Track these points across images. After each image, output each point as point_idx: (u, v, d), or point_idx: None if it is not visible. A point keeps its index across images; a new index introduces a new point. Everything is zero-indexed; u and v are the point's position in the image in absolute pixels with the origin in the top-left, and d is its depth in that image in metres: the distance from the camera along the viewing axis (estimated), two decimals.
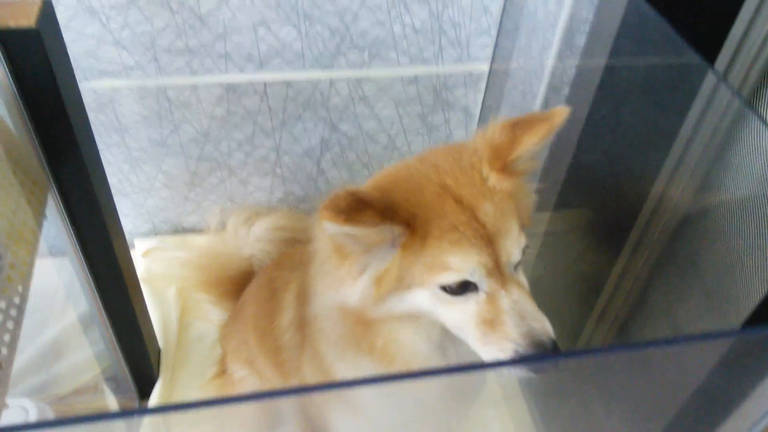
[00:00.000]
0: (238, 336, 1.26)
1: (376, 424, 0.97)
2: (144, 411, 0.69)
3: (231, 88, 1.51)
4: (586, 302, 1.50)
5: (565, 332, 1.57)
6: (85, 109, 1.09)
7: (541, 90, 1.42)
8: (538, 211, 1.63)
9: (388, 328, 0.81)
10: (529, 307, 0.76)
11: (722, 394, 0.88)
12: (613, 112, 1.33)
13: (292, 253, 1.11)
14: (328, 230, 0.72)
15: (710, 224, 1.10)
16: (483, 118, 1.73)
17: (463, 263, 0.73)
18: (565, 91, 1.42)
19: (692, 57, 0.99)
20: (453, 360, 0.87)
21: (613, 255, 1.37)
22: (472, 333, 0.76)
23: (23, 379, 1.39)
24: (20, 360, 1.39)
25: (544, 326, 0.74)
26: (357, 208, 0.68)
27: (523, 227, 0.81)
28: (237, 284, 1.50)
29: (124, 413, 0.62)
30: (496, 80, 1.63)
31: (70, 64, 1.02)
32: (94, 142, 1.12)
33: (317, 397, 0.98)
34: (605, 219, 1.45)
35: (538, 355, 0.73)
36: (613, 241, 1.36)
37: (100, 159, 1.14)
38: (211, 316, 1.55)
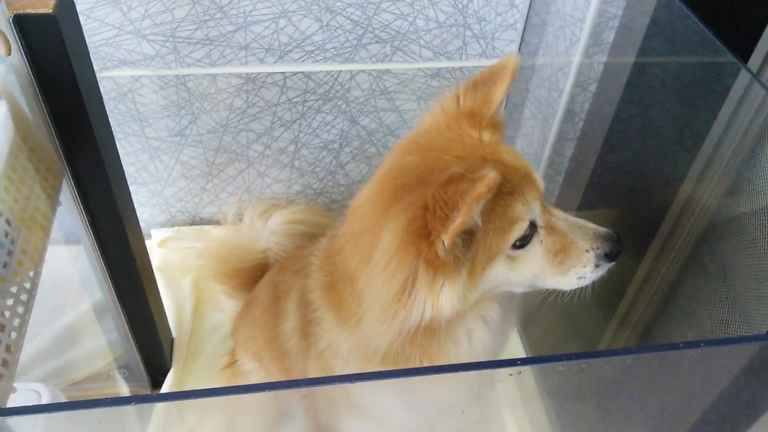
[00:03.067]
0: (246, 330, 1.25)
1: (391, 429, 0.96)
2: (145, 398, 0.68)
3: (250, 80, 1.50)
4: (608, 306, 1.47)
5: (587, 336, 1.53)
6: (101, 97, 1.08)
7: (567, 87, 1.39)
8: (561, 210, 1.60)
9: (454, 327, 0.80)
10: (575, 218, 0.83)
11: (746, 402, 0.85)
12: (641, 111, 1.29)
13: (296, 256, 1.09)
14: (469, 215, 0.68)
15: (739, 228, 1.06)
16: (508, 114, 1.69)
17: (525, 207, 0.76)
18: (592, 88, 1.38)
19: (725, 55, 0.95)
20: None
21: (638, 258, 1.33)
22: (550, 270, 0.80)
23: (37, 364, 1.40)
24: (35, 345, 1.40)
25: (597, 226, 0.82)
26: (453, 204, 0.67)
27: None
28: (252, 276, 1.49)
29: (126, 399, 0.61)
30: (521, 76, 1.60)
31: (87, 51, 1.01)
32: (110, 130, 1.12)
33: (326, 402, 0.96)
34: (630, 221, 1.41)
35: (546, 357, 0.71)
36: (638, 244, 1.33)
37: (115, 147, 1.13)
38: (225, 306, 1.55)
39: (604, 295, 1.49)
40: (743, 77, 0.95)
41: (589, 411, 1.40)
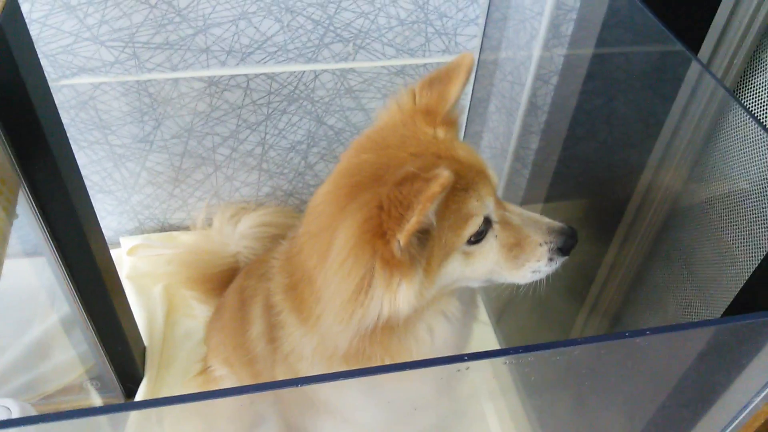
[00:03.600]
0: (217, 335, 1.24)
1: (361, 429, 0.96)
2: (115, 408, 0.67)
3: (213, 83, 1.49)
4: (578, 295, 1.48)
5: (558, 325, 1.54)
6: (55, 106, 1.06)
7: (529, 80, 1.40)
8: (529, 204, 1.61)
9: (413, 324, 0.80)
10: (530, 212, 0.83)
11: (708, 382, 0.86)
12: (601, 102, 1.31)
13: (262, 260, 1.09)
14: (422, 217, 0.68)
15: (698, 214, 1.08)
16: (473, 110, 1.70)
17: (479, 203, 0.77)
18: (554, 80, 1.39)
19: (676, 46, 0.96)
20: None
21: (604, 247, 1.35)
22: (505, 264, 0.81)
23: (8, 379, 1.38)
24: (4, 360, 1.38)
25: (551, 220, 0.83)
26: (407, 204, 0.68)
27: None
28: (223, 281, 1.48)
29: (95, 410, 0.61)
30: (485, 71, 1.60)
31: (38, 59, 1.00)
32: (67, 138, 1.10)
33: (296, 405, 0.96)
34: (595, 210, 1.43)
35: (523, 348, 0.71)
36: (604, 233, 1.34)
37: (73, 156, 1.12)
38: (197, 312, 1.53)
39: (574, 285, 1.50)
40: (695, 67, 0.96)
41: (562, 400, 1.41)
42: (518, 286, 1.29)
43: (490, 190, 0.79)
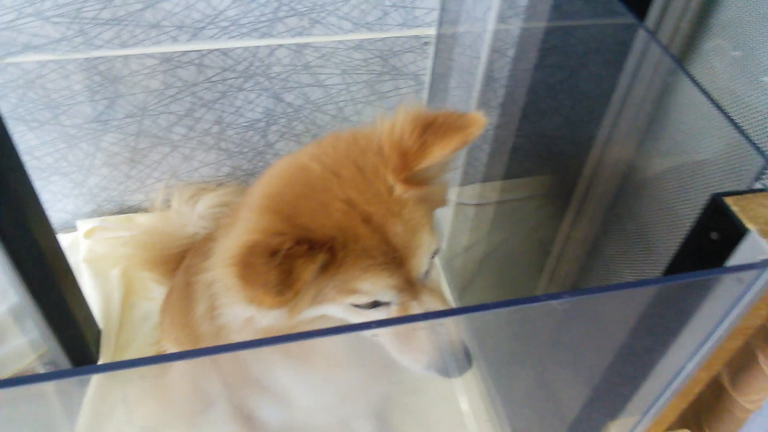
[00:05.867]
0: (168, 315, 1.23)
1: (299, 408, 0.95)
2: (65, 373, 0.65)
3: (165, 59, 1.45)
4: (536, 266, 1.48)
5: (519, 295, 1.55)
6: None
7: (485, 53, 1.38)
8: (489, 181, 1.60)
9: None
10: (444, 310, 0.75)
11: (647, 347, 0.86)
12: (556, 74, 1.29)
13: (208, 238, 1.07)
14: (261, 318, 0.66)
15: (650, 183, 1.07)
16: (434, 85, 1.68)
17: (374, 287, 0.70)
18: (510, 53, 1.37)
19: (624, 16, 0.95)
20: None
21: (560, 220, 1.35)
22: (388, 342, 0.75)
23: None
24: None
25: (454, 336, 0.73)
26: (288, 271, 0.62)
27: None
28: (181, 262, 1.46)
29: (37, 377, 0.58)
30: (444, 45, 1.58)
31: None
32: (3, 123, 1.06)
33: (236, 384, 0.95)
34: (553, 185, 1.42)
35: (477, 306, 0.69)
36: (560, 206, 1.34)
37: (11, 142, 1.08)
38: (155, 294, 1.51)
39: (532, 257, 1.50)
40: (642, 36, 0.95)
41: (519, 368, 1.42)
42: (479, 264, 1.27)
43: (396, 283, 0.71)
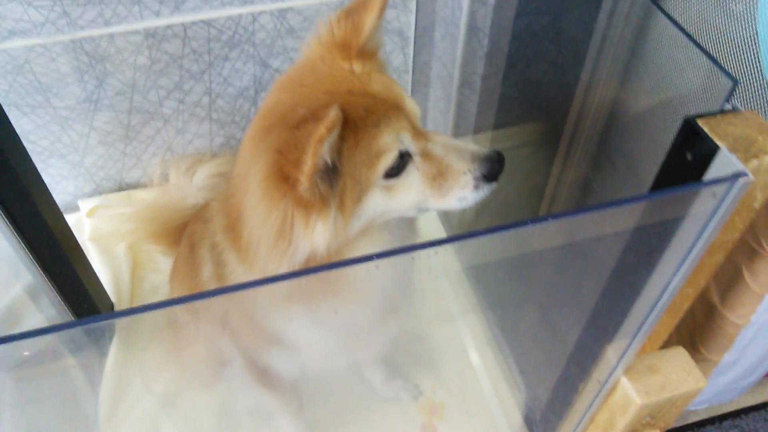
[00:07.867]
0: (176, 282, 1.27)
1: (311, 356, 0.99)
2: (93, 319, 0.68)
3: (149, 35, 1.46)
4: (533, 210, 1.52)
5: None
6: None
7: (466, 3, 1.38)
8: (480, 132, 1.62)
9: (348, 256, 0.81)
10: (456, 141, 0.82)
11: (639, 261, 0.88)
12: (537, 20, 1.31)
13: (207, 205, 1.10)
14: (318, 155, 0.69)
15: (631, 116, 1.10)
16: (419, 40, 1.69)
17: (392, 138, 0.76)
18: (491, 1, 1.38)
19: None
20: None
21: (551, 161, 1.38)
22: (430, 194, 0.81)
23: None
24: None
25: (479, 147, 0.81)
26: (320, 117, 0.68)
27: None
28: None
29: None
30: None
31: None
32: (0, 107, 1.08)
33: (250, 340, 1.00)
34: (542, 129, 1.45)
35: (468, 234, 0.73)
36: (550, 148, 1.37)
37: (10, 126, 1.10)
38: (162, 266, 1.55)
39: (527, 202, 1.54)
40: None
41: (512, 294, 1.47)
42: (475, 214, 1.29)
43: (405, 124, 0.79)
